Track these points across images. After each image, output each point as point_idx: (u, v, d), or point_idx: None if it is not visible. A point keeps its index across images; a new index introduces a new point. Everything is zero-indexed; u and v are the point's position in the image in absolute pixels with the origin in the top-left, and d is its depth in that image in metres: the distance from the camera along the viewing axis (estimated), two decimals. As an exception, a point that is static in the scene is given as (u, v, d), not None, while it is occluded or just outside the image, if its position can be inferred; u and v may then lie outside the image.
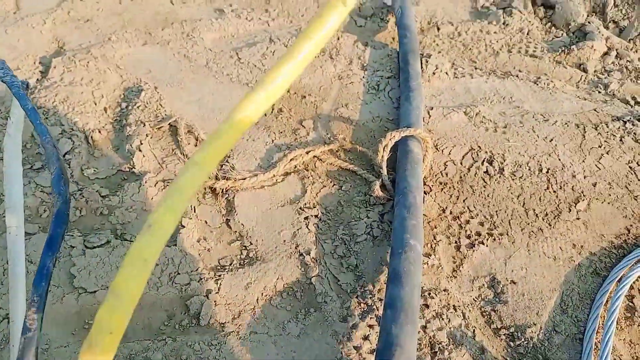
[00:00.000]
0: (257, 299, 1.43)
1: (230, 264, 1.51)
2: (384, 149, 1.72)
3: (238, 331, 1.35)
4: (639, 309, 1.48)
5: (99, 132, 1.85)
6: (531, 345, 1.38)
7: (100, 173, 1.69)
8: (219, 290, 1.43)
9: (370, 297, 1.45)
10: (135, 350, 1.29)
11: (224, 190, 1.70)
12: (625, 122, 2.07)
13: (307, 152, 1.82)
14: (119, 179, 1.70)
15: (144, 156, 1.74)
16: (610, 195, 1.80)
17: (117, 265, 1.42)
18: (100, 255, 1.43)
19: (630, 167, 1.91)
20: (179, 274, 1.44)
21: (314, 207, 1.69)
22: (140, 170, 1.70)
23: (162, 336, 1.33)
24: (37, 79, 2.12)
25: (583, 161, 1.92)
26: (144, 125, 1.85)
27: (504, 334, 1.41)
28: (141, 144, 1.77)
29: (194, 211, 1.61)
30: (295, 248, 1.56)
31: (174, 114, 1.92)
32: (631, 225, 1.70)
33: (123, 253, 1.45)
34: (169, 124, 1.88)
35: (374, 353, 1.17)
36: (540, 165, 1.89)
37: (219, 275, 1.46)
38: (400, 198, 1.54)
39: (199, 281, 1.44)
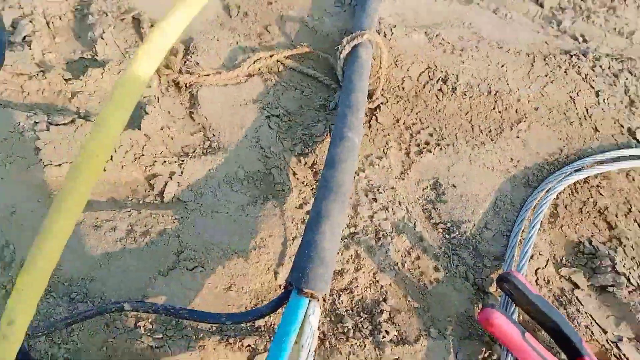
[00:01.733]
0: (219, 184, 1.52)
1: (194, 152, 1.57)
2: (340, 55, 1.79)
3: (200, 209, 1.44)
4: (561, 216, 1.67)
5: (60, 18, 1.81)
6: (464, 238, 1.55)
7: (62, 58, 1.68)
8: (182, 173, 1.50)
9: (325, 189, 1.56)
10: (101, 218, 1.36)
11: (187, 84, 1.73)
12: (571, 56, 2.21)
13: (271, 56, 1.87)
14: (81, 66, 1.69)
15: (106, 44, 1.73)
16: (549, 119, 1.96)
17: (82, 142, 1.46)
18: (65, 131, 1.46)
19: (570, 97, 2.06)
20: (143, 155, 1.50)
21: (276, 108, 1.76)
22: (103, 58, 1.70)
23: (127, 208, 1.40)
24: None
25: (529, 87, 2.06)
26: (107, 15, 1.83)
27: (441, 228, 1.57)
28: (104, 32, 1.76)
29: (158, 101, 1.65)
30: (257, 142, 1.63)
31: (136, 7, 1.90)
32: (564, 147, 1.87)
33: (88, 131, 1.49)
34: (132, 16, 1.86)
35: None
36: (490, 87, 2.02)
37: (182, 160, 1.53)
38: (343, 98, 1.61)
39: (162, 163, 1.50)
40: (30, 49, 1.68)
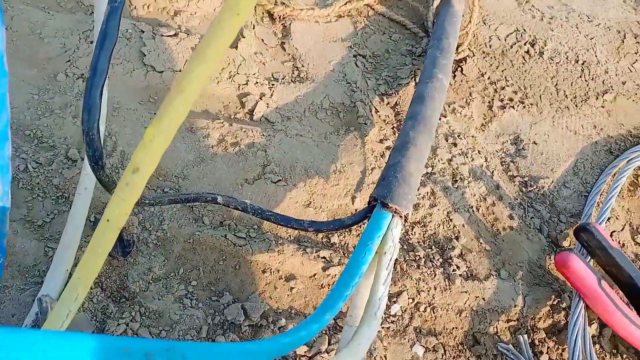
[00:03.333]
0: (304, 111, 1.56)
1: (283, 78, 1.62)
2: (433, 4, 1.80)
3: (286, 131, 1.49)
4: (641, 186, 1.64)
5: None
6: (541, 193, 1.54)
7: (166, -21, 1.75)
8: (272, 95, 1.55)
9: (406, 129, 1.59)
10: (196, 125, 1.43)
11: (281, 16, 1.78)
12: (665, 36, 2.13)
13: None
14: (183, -12, 1.76)
15: (209, -29, 1.79)
16: (636, 94, 1.90)
17: (185, 54, 1.53)
18: (169, 42, 1.54)
19: (660, 76, 2.00)
20: (237, 74, 1.55)
21: (363, 49, 1.79)
22: (205, -16, 1.76)
23: (220, 120, 1.46)
24: None
25: (617, 62, 2.00)
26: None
27: (518, 181, 1.57)
28: (207, -41, 1.82)
29: (253, 28, 1.70)
30: (343, 77, 1.67)
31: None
32: (650, 122, 1.82)
33: (191, 45, 1.55)
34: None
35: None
36: (577, 57, 1.97)
37: (272, 84, 1.58)
38: (434, 42, 1.61)
39: (255, 84, 1.56)
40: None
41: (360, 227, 1.37)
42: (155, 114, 1.36)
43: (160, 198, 1.06)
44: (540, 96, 1.81)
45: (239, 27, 0.79)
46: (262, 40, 1.70)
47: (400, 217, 1.13)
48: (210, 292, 1.20)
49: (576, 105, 1.81)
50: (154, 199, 1.04)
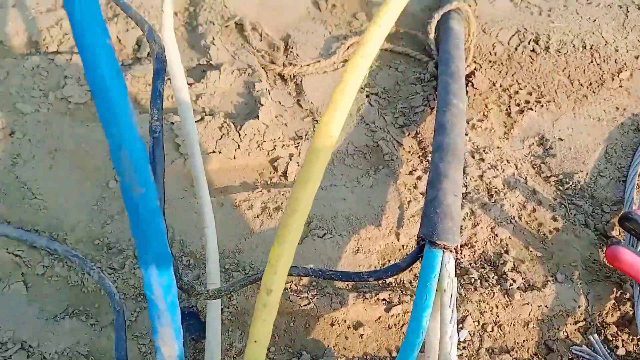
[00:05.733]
0: (332, 160, 1.65)
1: (306, 134, 1.71)
2: (431, 28, 1.88)
3: (321, 185, 1.57)
4: (677, 157, 1.64)
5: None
6: (579, 188, 1.57)
7: (183, 66, 1.88)
8: (299, 154, 1.64)
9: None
10: (239, 199, 1.53)
11: (292, 76, 1.88)
12: (668, 0, 2.14)
13: (364, 41, 1.97)
14: (199, 71, 1.89)
15: (217, 50, 1.92)
16: (652, 65, 1.91)
17: (214, 135, 1.65)
18: (197, 128, 1.65)
19: (672, 41, 2.00)
20: (264, 141, 1.66)
21: (374, 87, 1.87)
22: (217, 62, 1.89)
23: (258, 189, 1.56)
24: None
25: (626, 37, 2.02)
26: (213, 24, 2.02)
27: (554, 180, 1.60)
28: (214, 39, 1.95)
29: (269, 93, 1.81)
30: (361, 119, 1.75)
31: (237, 14, 2.08)
32: (671, 90, 1.82)
33: (216, 125, 1.67)
34: (235, 22, 2.05)
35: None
36: (584, 42, 2.00)
37: (298, 143, 1.68)
38: (443, 68, 1.68)
39: (282, 147, 1.65)
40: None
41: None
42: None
43: (234, 285, 1.15)
44: (555, 91, 1.84)
45: (333, 147, 0.92)
46: (280, 102, 1.81)
47: (451, 251, 1.18)
48: (288, 354, 1.28)
49: (593, 92, 1.83)
50: (228, 288, 1.13)
